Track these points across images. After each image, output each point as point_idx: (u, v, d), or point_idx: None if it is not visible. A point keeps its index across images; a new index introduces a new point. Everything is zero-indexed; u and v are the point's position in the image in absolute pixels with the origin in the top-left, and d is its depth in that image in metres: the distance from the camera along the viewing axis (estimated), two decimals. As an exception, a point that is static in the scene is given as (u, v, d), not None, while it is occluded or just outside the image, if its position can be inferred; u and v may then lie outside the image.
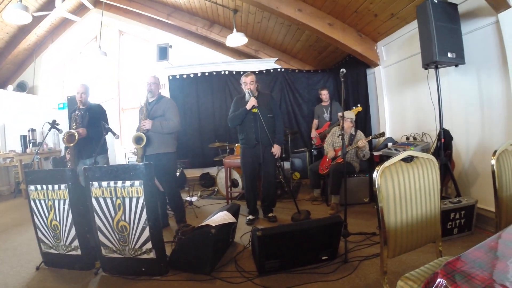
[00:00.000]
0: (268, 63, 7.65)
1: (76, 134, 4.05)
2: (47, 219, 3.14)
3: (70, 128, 4.24)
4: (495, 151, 1.88)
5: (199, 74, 7.31)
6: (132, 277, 2.94)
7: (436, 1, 3.40)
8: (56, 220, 3.10)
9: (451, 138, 3.80)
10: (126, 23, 7.96)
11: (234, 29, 6.10)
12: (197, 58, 8.09)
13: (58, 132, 4.36)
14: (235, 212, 3.62)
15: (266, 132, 4.15)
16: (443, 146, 3.65)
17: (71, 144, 4.06)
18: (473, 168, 3.86)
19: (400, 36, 4.96)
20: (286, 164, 6.88)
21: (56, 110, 7.95)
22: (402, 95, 5.24)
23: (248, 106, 4.18)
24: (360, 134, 4.93)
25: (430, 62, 3.50)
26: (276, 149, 4.25)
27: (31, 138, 7.34)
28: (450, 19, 3.46)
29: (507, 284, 0.96)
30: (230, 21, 6.46)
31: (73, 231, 3.05)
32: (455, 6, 3.54)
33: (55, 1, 6.20)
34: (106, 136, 4.09)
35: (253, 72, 4.52)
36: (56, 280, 2.99)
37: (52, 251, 3.20)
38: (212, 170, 7.23)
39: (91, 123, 4.27)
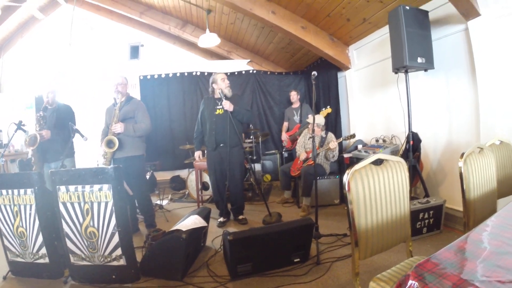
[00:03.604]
0: (240, 65, 7.64)
1: (38, 136, 3.89)
2: (13, 225, 2.99)
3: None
4: (463, 154, 1.92)
5: (170, 75, 7.19)
6: (103, 285, 2.84)
7: (407, 8, 3.49)
8: (22, 226, 2.95)
9: (419, 140, 3.90)
10: (98, 20, 7.74)
11: (207, 30, 6.05)
12: (169, 58, 7.97)
13: (25, 134, 4.17)
14: (206, 216, 3.57)
15: (235, 131, 4.14)
16: (412, 148, 3.74)
17: (32, 148, 3.89)
18: (441, 169, 3.99)
19: (371, 40, 5.06)
20: (257, 166, 6.88)
21: (24, 110, 7.63)
22: (372, 98, 5.34)
23: (229, 109, 4.12)
24: (330, 135, 4.98)
25: (400, 66, 3.59)
26: (226, 103, 4.11)
27: (-4, 140, 7.01)
28: (421, 25, 3.56)
29: (477, 283, 0.98)
30: (203, 21, 6.40)
31: (40, 238, 2.92)
32: (426, 13, 3.64)
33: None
34: (73, 138, 3.96)
35: (225, 73, 4.46)
36: (24, 290, 2.84)
37: (19, 259, 3.05)
38: (183, 173, 7.13)
39: (58, 124, 4.10)
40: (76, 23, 6.72)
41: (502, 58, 3.12)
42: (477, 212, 1.95)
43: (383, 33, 4.64)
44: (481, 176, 2.01)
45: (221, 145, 4.25)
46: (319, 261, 3.04)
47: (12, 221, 2.98)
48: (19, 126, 4.00)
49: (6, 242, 3.08)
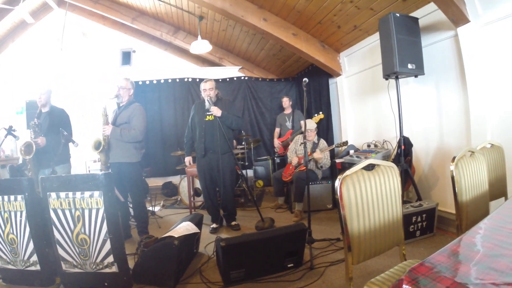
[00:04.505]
0: (231, 71, 7.66)
1: (34, 145, 3.83)
2: (3, 232, 2.94)
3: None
4: (454, 158, 1.94)
5: (162, 81, 7.17)
6: (95, 292, 2.79)
7: (398, 15, 3.53)
8: (13, 233, 2.91)
9: (411, 145, 3.93)
10: (90, 25, 7.72)
11: (199, 36, 6.06)
12: (161, 64, 7.96)
13: (15, 139, 4.10)
14: (198, 222, 3.55)
15: (225, 138, 4.11)
16: (404, 153, 3.76)
17: (28, 157, 3.80)
18: (433, 173, 4.03)
19: (362, 47, 5.11)
20: (249, 172, 6.87)
21: (14, 115, 7.54)
22: (363, 104, 5.38)
23: (217, 114, 4.09)
24: (322, 142, 5.00)
25: (391, 72, 3.62)
26: (214, 108, 4.10)
27: (-14, 145, 6.91)
28: (411, 32, 3.61)
29: (471, 286, 0.98)
30: (195, 27, 6.41)
31: (31, 245, 2.88)
32: (416, 20, 3.70)
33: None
34: (64, 144, 3.90)
35: (216, 80, 4.44)
36: (15, 297, 2.79)
37: (10, 266, 3.01)
38: (175, 179, 7.08)
39: (51, 129, 4.02)
40: (68, 28, 6.68)
41: (491, 63, 3.18)
42: (469, 214, 1.97)
43: (374, 40, 4.69)
44: (473, 179, 2.03)
45: (211, 151, 4.23)
46: (313, 266, 3.03)
47: (3, 227, 2.94)
48: (9, 131, 3.94)
49: (-4, 249, 3.04)
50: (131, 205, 4.33)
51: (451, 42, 3.59)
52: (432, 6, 3.57)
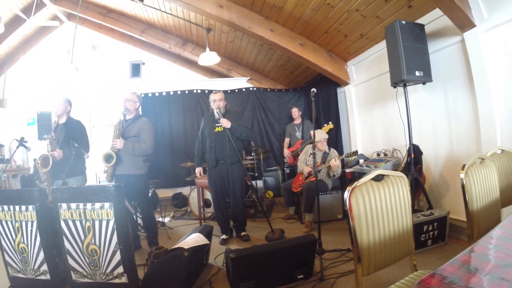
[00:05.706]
0: (240, 82, 7.69)
1: (50, 158, 3.86)
2: (14, 241, 2.98)
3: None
4: (464, 165, 1.91)
5: (171, 93, 7.24)
6: (103, 303, 2.79)
7: (404, 22, 3.54)
8: (23, 242, 2.94)
9: (420, 153, 3.90)
10: (99, 38, 7.87)
11: (207, 48, 6.12)
12: (170, 76, 8.05)
13: (26, 150, 4.13)
14: (208, 234, 3.55)
15: (235, 149, 4.13)
16: (413, 161, 3.73)
17: (45, 169, 3.82)
18: (443, 181, 3.97)
19: (369, 55, 5.11)
20: (259, 183, 6.86)
21: (25, 126, 7.67)
22: (372, 112, 5.36)
23: (227, 126, 4.14)
24: (333, 152, 4.97)
25: (399, 80, 3.61)
26: (224, 120, 4.15)
27: (-1, 154, 7.00)
28: (417, 39, 3.60)
29: (482, 297, 0.97)
30: (203, 39, 6.48)
31: (41, 255, 2.90)
32: (422, 26, 3.69)
33: (30, 12, 6.06)
34: (76, 155, 3.91)
35: (225, 91, 4.47)
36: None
37: (20, 275, 3.04)
38: (185, 190, 7.10)
39: (66, 141, 4.00)
40: (78, 41, 6.80)
41: (499, 66, 3.15)
42: (481, 222, 1.94)
43: (381, 48, 4.69)
44: (484, 187, 2.00)
45: (221, 161, 4.26)
46: (323, 277, 2.99)
47: (14, 237, 2.97)
48: (21, 142, 3.98)
49: (7, 258, 3.06)
50: (139, 216, 4.34)
51: (458, 47, 3.57)
52: (437, 12, 3.57)
